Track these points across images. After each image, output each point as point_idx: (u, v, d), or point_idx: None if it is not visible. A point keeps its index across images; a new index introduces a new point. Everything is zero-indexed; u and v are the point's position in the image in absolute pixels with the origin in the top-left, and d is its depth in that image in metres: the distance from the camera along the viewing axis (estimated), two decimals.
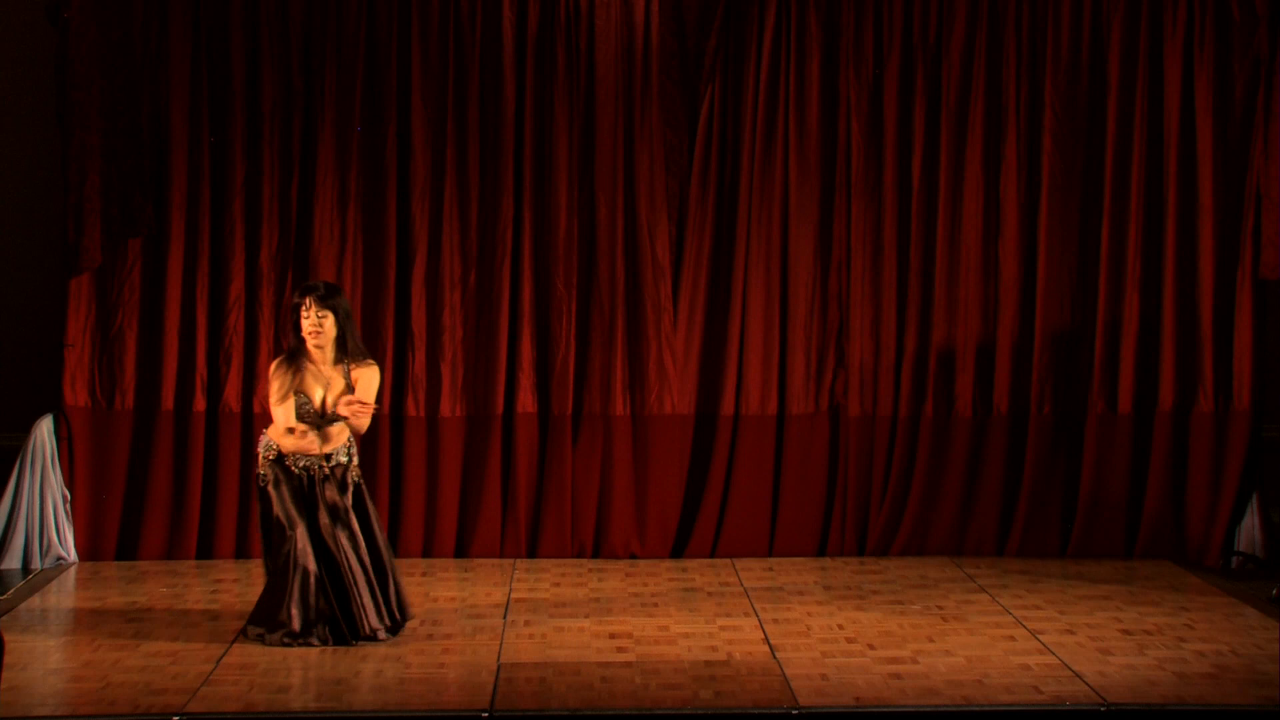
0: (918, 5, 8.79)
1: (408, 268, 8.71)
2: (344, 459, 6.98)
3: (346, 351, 6.95)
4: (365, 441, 8.64)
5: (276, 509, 6.90)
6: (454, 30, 8.69)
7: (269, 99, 8.60)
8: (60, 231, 8.44)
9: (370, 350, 8.54)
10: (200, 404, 8.61)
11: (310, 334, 6.88)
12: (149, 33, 8.50)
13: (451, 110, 8.70)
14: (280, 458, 6.92)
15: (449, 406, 8.70)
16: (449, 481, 8.73)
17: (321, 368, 6.93)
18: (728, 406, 8.81)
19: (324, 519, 6.89)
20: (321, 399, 6.90)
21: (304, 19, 8.63)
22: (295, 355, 6.94)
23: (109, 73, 8.41)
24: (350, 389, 6.90)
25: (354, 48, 8.64)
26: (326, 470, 6.93)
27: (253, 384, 8.62)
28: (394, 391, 8.71)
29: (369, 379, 6.96)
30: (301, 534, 6.83)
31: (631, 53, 8.74)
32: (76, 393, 8.52)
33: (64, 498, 8.51)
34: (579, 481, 8.78)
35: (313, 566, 6.84)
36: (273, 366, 7.00)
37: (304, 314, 6.90)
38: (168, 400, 8.60)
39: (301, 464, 6.91)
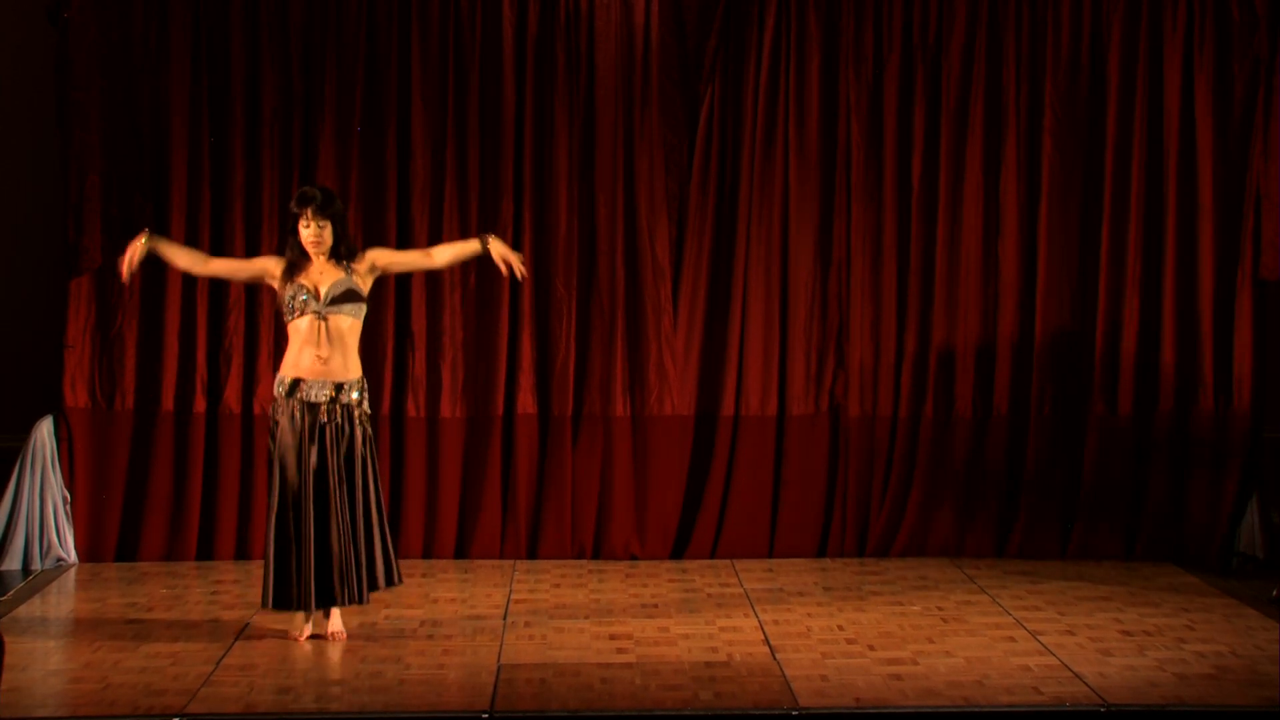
0: (917, 6, 8.79)
1: None
2: (355, 395, 6.96)
3: (340, 253, 6.98)
4: None
5: (277, 458, 6.90)
6: (454, 31, 8.70)
7: (269, 100, 8.60)
8: (60, 232, 8.45)
9: (370, 351, 8.57)
10: (200, 405, 8.61)
11: (312, 245, 6.93)
12: (149, 33, 8.51)
13: (451, 111, 8.70)
14: (291, 391, 6.90)
15: (449, 407, 8.70)
16: (449, 483, 8.73)
17: (319, 267, 6.96)
18: (728, 407, 8.81)
19: (320, 476, 6.85)
20: (327, 289, 6.90)
21: (304, 20, 8.63)
22: (295, 261, 6.97)
23: (109, 73, 8.42)
24: (348, 278, 6.92)
25: (354, 49, 8.64)
26: (337, 409, 6.90)
27: (253, 385, 8.62)
28: (394, 393, 8.72)
29: (385, 250, 7.25)
30: (297, 509, 6.85)
31: (631, 54, 8.75)
32: (76, 394, 8.52)
33: (64, 499, 8.51)
34: (579, 483, 8.78)
35: (311, 546, 6.84)
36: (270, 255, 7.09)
37: (303, 225, 6.94)
38: (168, 401, 8.60)
39: (313, 396, 6.88)
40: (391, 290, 8.65)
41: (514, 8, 8.70)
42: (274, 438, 6.93)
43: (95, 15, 8.36)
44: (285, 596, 6.89)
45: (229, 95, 8.60)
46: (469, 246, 7.16)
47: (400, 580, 7.18)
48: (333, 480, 6.86)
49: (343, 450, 6.90)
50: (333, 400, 6.90)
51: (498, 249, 7.04)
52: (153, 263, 8.53)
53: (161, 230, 8.53)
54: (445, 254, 7.24)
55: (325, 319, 6.90)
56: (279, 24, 8.60)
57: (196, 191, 8.61)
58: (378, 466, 7.07)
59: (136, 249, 7.00)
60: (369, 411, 7.04)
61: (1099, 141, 8.80)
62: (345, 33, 8.64)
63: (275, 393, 6.97)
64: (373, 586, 7.04)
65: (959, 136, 8.81)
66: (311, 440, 6.86)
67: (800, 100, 8.79)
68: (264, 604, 6.96)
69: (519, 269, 7.07)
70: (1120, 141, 8.76)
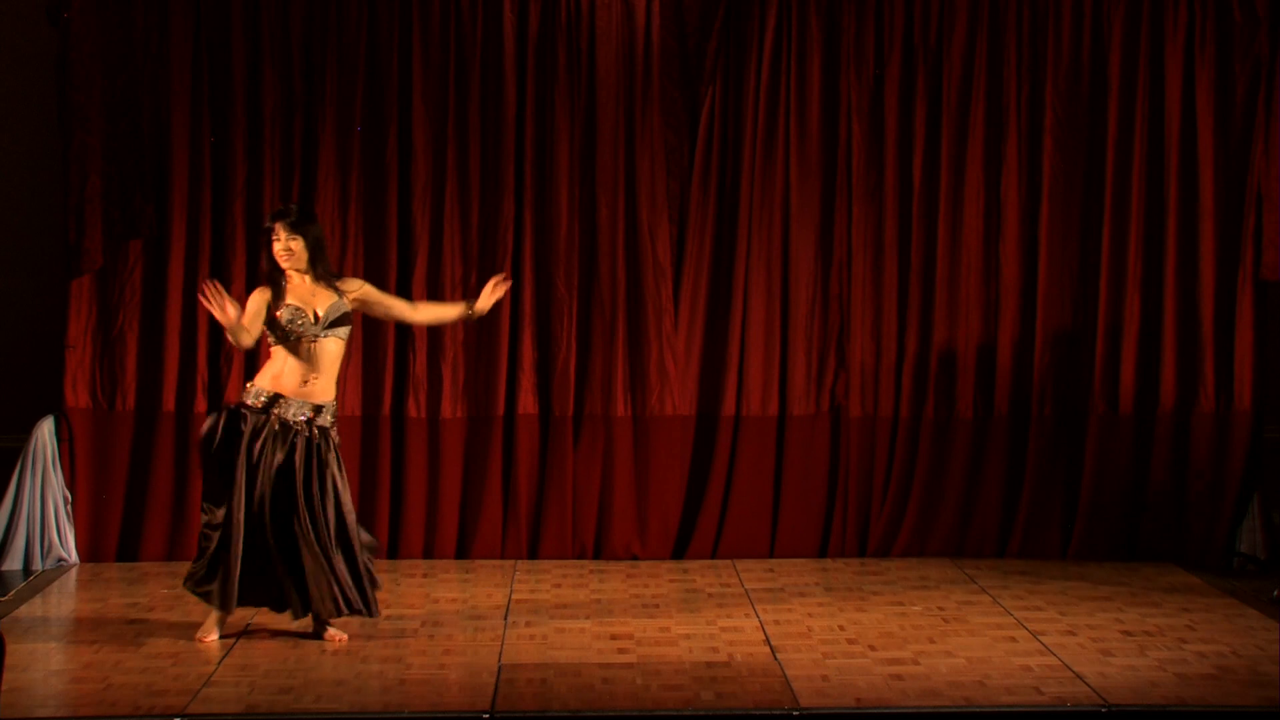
0: (918, 6, 8.79)
1: (408, 269, 8.71)
2: (329, 419, 6.97)
3: (320, 274, 6.99)
4: (366, 442, 8.68)
5: (233, 462, 6.85)
6: (455, 32, 8.70)
7: (270, 100, 8.60)
8: (61, 233, 8.45)
9: (371, 351, 8.62)
10: (201, 405, 8.60)
11: (281, 257, 6.94)
12: (150, 34, 8.50)
13: (452, 112, 8.70)
14: (268, 406, 6.88)
15: (450, 408, 8.70)
16: (450, 483, 8.73)
17: (304, 287, 6.96)
18: (729, 408, 8.81)
19: (295, 492, 6.84)
20: (325, 312, 6.91)
21: (305, 20, 8.63)
22: (274, 280, 6.98)
23: (110, 73, 8.41)
24: (341, 301, 6.94)
25: (355, 49, 8.64)
26: (314, 431, 6.90)
27: None
28: (395, 393, 8.72)
29: (374, 288, 7.22)
30: (240, 520, 6.82)
31: (632, 54, 8.74)
32: (77, 394, 8.52)
33: (65, 499, 8.51)
34: (580, 483, 8.78)
35: (238, 557, 6.82)
36: (253, 294, 7.00)
37: (274, 239, 6.96)
38: (169, 402, 8.60)
39: (290, 415, 6.87)
40: (392, 291, 8.60)
41: (515, 9, 8.71)
42: (227, 434, 6.88)
43: (95, 15, 8.35)
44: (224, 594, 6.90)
45: (229, 96, 8.60)
46: (453, 310, 7.39)
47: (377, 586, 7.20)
48: (311, 492, 6.86)
49: (318, 468, 6.89)
50: (309, 421, 6.92)
51: (482, 303, 7.24)
52: (154, 264, 8.62)
53: (163, 230, 8.58)
54: (429, 312, 7.55)
55: (317, 341, 6.92)
56: (280, 24, 8.60)
57: (197, 192, 8.61)
58: (345, 485, 7.05)
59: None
60: (337, 439, 7.04)
61: (1100, 142, 8.80)
62: (346, 33, 8.64)
63: (247, 400, 6.92)
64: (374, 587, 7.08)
65: (960, 137, 8.81)
66: (285, 447, 6.84)
67: (801, 101, 8.79)
68: (222, 607, 6.96)
69: (502, 283, 7.28)
70: (1121, 142, 8.76)
